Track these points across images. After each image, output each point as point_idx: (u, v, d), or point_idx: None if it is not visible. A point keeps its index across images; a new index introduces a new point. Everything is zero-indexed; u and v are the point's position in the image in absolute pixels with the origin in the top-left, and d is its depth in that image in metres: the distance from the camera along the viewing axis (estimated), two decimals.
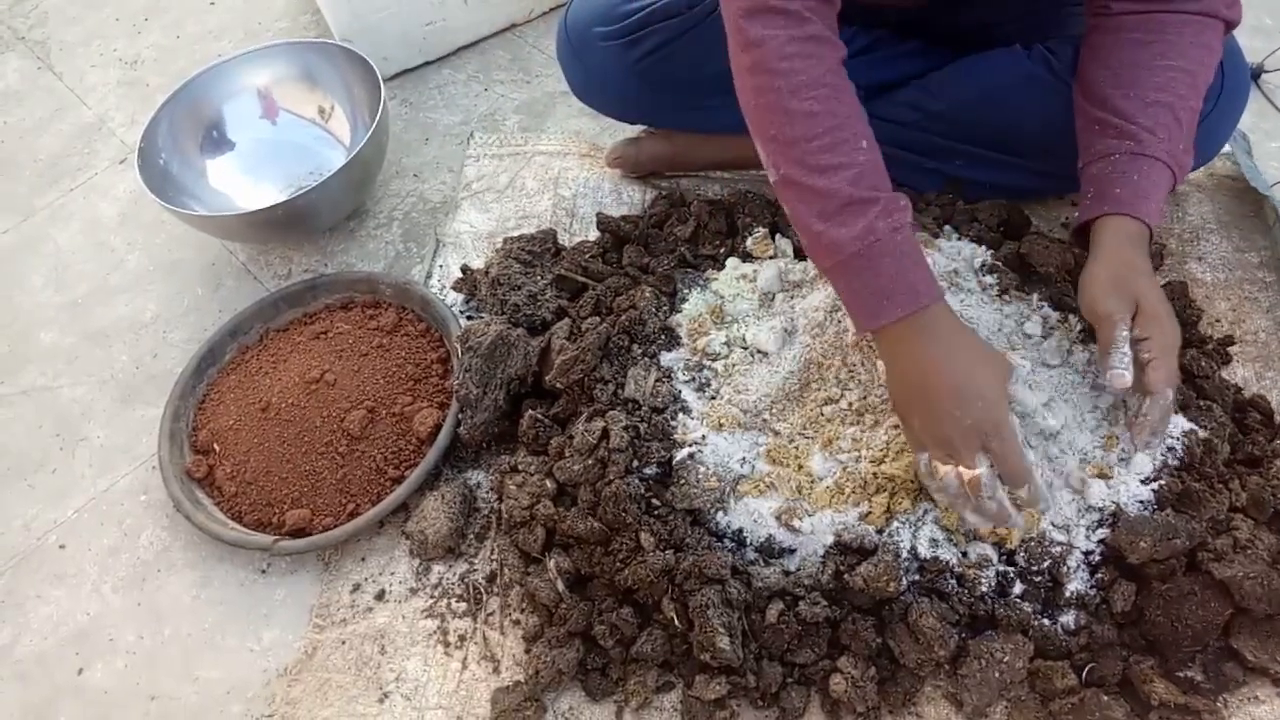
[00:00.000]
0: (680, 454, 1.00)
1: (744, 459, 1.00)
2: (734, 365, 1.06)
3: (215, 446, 1.16)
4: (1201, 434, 0.97)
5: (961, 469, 0.86)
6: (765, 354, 1.05)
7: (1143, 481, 0.94)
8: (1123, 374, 0.88)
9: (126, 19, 1.92)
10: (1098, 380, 0.98)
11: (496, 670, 0.98)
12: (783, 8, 0.88)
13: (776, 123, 0.89)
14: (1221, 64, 1.04)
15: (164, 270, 1.44)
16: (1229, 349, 1.11)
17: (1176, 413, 0.97)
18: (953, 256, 1.11)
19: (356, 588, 1.06)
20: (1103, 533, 0.92)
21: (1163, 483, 0.93)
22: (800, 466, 0.99)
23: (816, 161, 0.87)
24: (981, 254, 1.12)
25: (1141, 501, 0.93)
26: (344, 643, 1.02)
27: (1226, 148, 1.28)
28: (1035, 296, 1.08)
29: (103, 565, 1.13)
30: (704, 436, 1.01)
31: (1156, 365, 0.89)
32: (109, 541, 1.14)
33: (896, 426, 0.97)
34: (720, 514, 0.98)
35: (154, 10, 1.93)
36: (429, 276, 1.34)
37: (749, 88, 0.91)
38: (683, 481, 0.98)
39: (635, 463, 1.00)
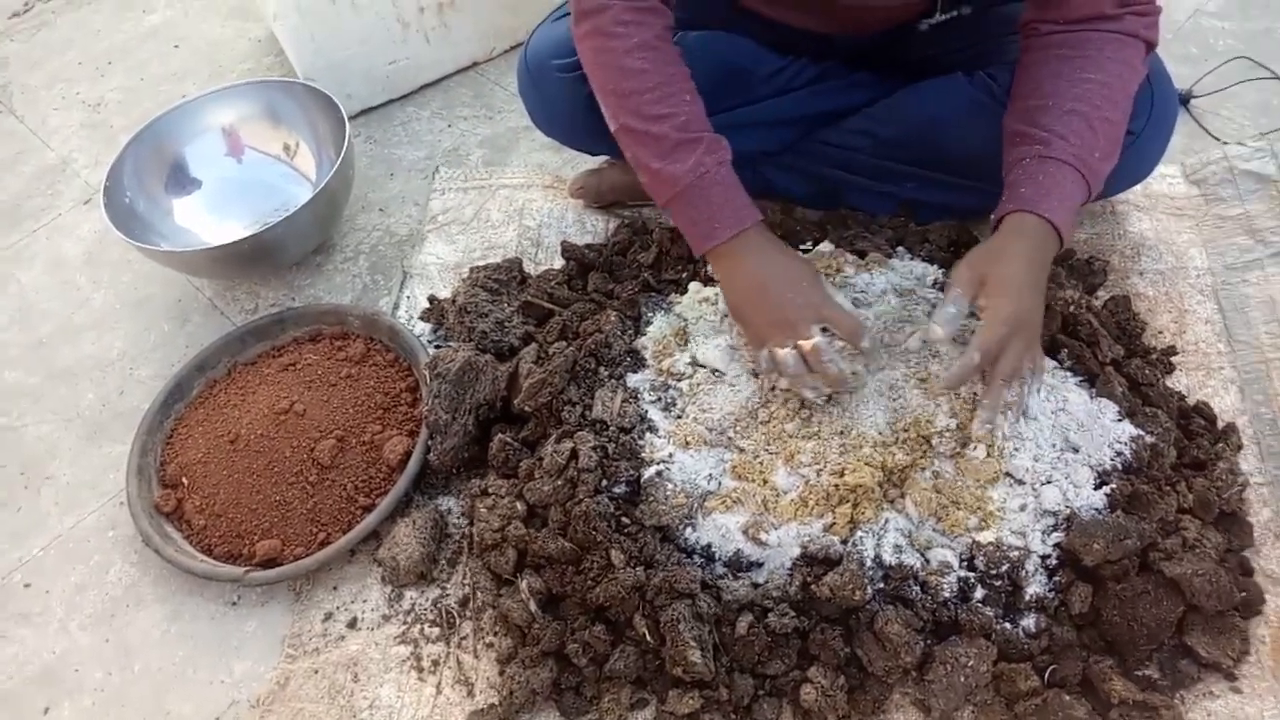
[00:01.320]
0: (648, 472, 1.02)
1: (710, 475, 1.02)
2: (698, 385, 1.09)
3: (184, 480, 1.16)
4: (1148, 439, 1.01)
5: (800, 343, 0.97)
6: (721, 372, 1.08)
7: (1095, 487, 0.97)
8: (936, 328, 0.96)
9: (89, 62, 1.93)
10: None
11: (471, 693, 0.99)
12: None
13: (614, 79, 1.03)
14: (1151, 86, 1.10)
15: (130, 308, 1.44)
16: (1172, 359, 1.15)
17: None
18: (905, 275, 1.16)
19: (328, 616, 1.06)
20: (1058, 536, 0.95)
21: (1114, 486, 0.97)
22: (765, 481, 1.01)
23: (650, 111, 1.01)
24: (933, 272, 1.16)
25: (1095, 508, 0.96)
26: (316, 672, 1.02)
27: (1166, 168, 1.35)
28: None
29: (69, 603, 1.11)
30: (671, 455, 1.03)
31: (979, 332, 0.94)
32: (76, 579, 1.13)
33: (844, 434, 1.00)
34: (689, 530, 0.99)
35: (118, 54, 1.95)
36: (396, 307, 1.35)
37: (589, 49, 1.05)
38: (651, 499, 1.00)
39: (604, 482, 1.02)
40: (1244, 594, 0.94)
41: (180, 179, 1.48)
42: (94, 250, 1.53)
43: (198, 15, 2.03)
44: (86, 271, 1.50)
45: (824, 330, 0.99)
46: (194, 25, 2.00)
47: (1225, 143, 1.37)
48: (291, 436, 1.15)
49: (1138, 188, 1.32)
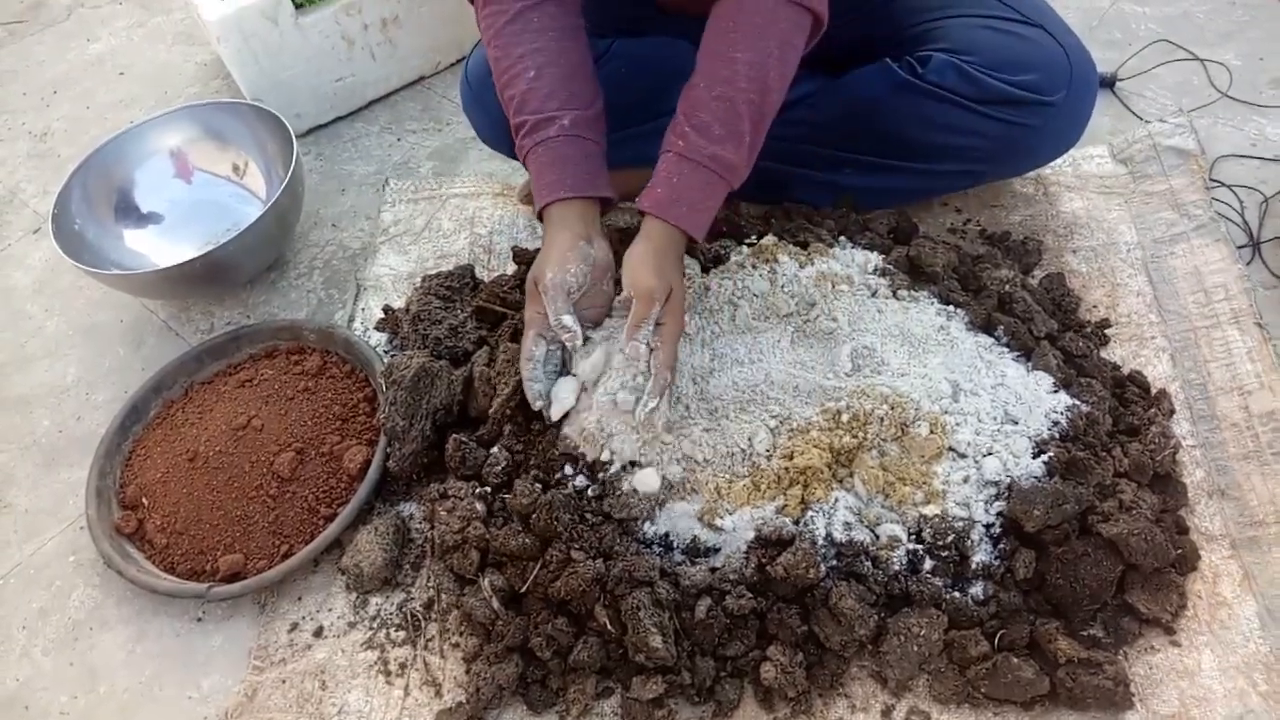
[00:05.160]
0: (613, 468, 1.04)
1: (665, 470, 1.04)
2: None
3: (144, 500, 1.17)
4: (1084, 408, 1.05)
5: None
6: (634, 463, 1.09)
7: (1033, 455, 1.01)
8: (640, 346, 1.01)
9: (34, 93, 1.92)
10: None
11: (439, 694, 1.00)
12: None
13: (494, 68, 1.13)
14: (1067, 55, 1.15)
15: (84, 334, 1.44)
16: (1106, 331, 1.19)
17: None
18: (848, 264, 1.19)
19: (294, 627, 1.07)
20: (1000, 505, 0.98)
21: (1051, 454, 1.00)
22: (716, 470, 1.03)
23: (503, 93, 1.11)
24: (874, 259, 1.20)
25: (1034, 476, 1.00)
26: (284, 681, 1.02)
27: (1094, 149, 1.40)
28: (925, 293, 1.16)
29: (32, 629, 1.11)
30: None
31: (662, 347, 1.01)
32: (38, 604, 1.13)
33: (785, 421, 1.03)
34: (647, 523, 1.02)
35: (63, 83, 1.94)
36: (352, 320, 1.36)
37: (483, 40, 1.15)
38: (618, 492, 1.02)
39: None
40: (1180, 551, 0.97)
41: (129, 204, 1.48)
42: (45, 279, 1.53)
43: (142, 41, 2.03)
44: (38, 300, 1.50)
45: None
46: (139, 51, 2.00)
47: (1149, 122, 1.43)
48: (250, 451, 1.16)
49: (1067, 168, 1.37)
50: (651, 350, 1.02)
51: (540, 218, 1.11)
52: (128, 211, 1.48)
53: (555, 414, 1.05)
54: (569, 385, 1.06)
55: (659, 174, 1.04)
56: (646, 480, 1.02)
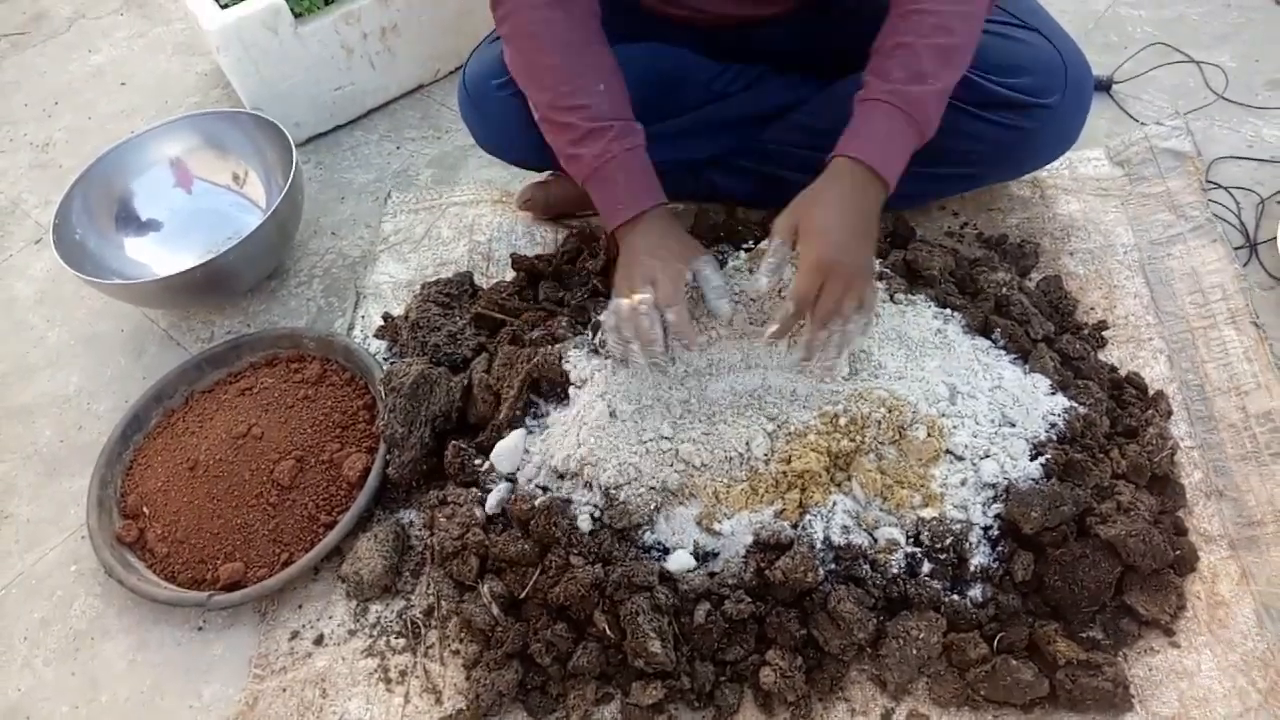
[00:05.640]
0: (608, 475, 1.04)
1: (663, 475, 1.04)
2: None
3: (145, 510, 1.17)
4: (1081, 410, 1.05)
5: (634, 295, 1.02)
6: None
7: (1031, 458, 1.01)
8: (760, 279, 1.00)
9: (36, 104, 1.94)
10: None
11: (439, 701, 1.00)
12: None
13: (531, 77, 1.11)
14: (1064, 61, 1.15)
15: (85, 343, 1.44)
16: (1103, 333, 1.19)
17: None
18: None
19: (295, 635, 1.07)
20: (998, 508, 0.98)
21: (1049, 456, 1.00)
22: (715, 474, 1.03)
23: (562, 103, 1.08)
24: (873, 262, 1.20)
25: (1032, 478, 1.00)
26: (285, 690, 1.03)
27: (1091, 151, 1.40)
28: (922, 297, 1.16)
29: (33, 639, 1.12)
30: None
31: (795, 280, 0.98)
32: (39, 614, 1.14)
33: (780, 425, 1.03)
34: (646, 532, 1.02)
35: (64, 94, 1.95)
36: (351, 328, 1.37)
37: (510, 51, 1.13)
38: (618, 501, 1.02)
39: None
40: (1178, 553, 0.97)
41: (130, 214, 1.49)
42: (47, 289, 1.54)
43: (143, 52, 2.04)
44: (40, 310, 1.51)
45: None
46: (140, 62, 2.01)
47: (1145, 124, 1.43)
48: (250, 460, 1.16)
49: (1064, 171, 1.37)
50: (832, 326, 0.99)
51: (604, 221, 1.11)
52: (128, 221, 1.49)
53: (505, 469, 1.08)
54: (515, 438, 1.08)
55: (847, 128, 1.02)
56: (680, 561, 1.00)
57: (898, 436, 1.01)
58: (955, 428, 1.02)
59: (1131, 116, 1.48)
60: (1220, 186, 1.33)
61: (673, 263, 1.04)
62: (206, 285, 1.35)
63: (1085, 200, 1.35)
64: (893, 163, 1.00)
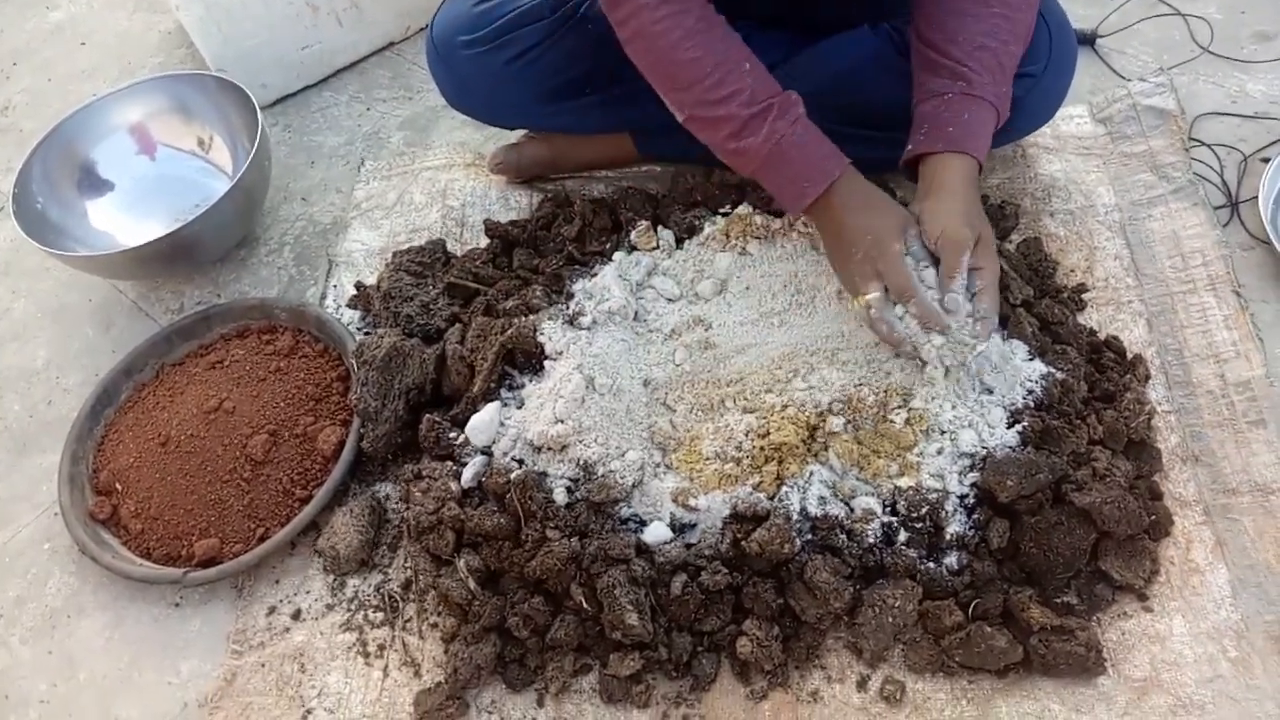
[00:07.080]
0: (588, 452, 1.03)
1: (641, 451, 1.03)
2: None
3: (117, 486, 1.16)
4: (1059, 376, 1.04)
5: (862, 297, 0.99)
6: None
7: (1008, 426, 1.00)
8: (957, 297, 0.98)
9: None
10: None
11: (418, 674, 1.00)
12: None
13: (669, 77, 1.03)
14: (1049, 28, 1.12)
15: (52, 316, 1.41)
16: (1083, 296, 1.19)
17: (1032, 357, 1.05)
18: None
19: (272, 610, 1.07)
20: (974, 476, 0.98)
21: (1025, 424, 1.00)
22: (693, 449, 1.03)
23: (711, 97, 1.00)
24: None
25: (1009, 446, 0.99)
26: (263, 665, 1.03)
27: (1073, 109, 1.37)
28: None
29: (9, 617, 1.11)
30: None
31: (984, 293, 0.98)
32: (14, 593, 1.13)
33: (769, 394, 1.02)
34: (623, 505, 1.01)
35: (22, 54, 1.89)
36: (324, 297, 1.35)
37: (637, 54, 1.04)
38: (596, 476, 1.01)
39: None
40: (1153, 518, 0.97)
41: (92, 181, 1.46)
42: (10, 260, 1.50)
43: (103, 9, 1.98)
44: (4, 282, 1.48)
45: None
46: (100, 19, 1.95)
47: (1129, 80, 1.40)
48: (223, 434, 1.15)
49: (1046, 130, 1.35)
50: (973, 296, 0.98)
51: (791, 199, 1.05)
52: (91, 189, 1.46)
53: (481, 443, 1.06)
54: (490, 411, 1.06)
55: (941, 115, 1.02)
56: (657, 533, 1.00)
57: (881, 419, 1.01)
58: (938, 413, 1.00)
59: (1116, 71, 1.45)
60: (1203, 144, 1.32)
61: (889, 243, 0.98)
62: (173, 255, 1.32)
63: (1067, 159, 1.33)
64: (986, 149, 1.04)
